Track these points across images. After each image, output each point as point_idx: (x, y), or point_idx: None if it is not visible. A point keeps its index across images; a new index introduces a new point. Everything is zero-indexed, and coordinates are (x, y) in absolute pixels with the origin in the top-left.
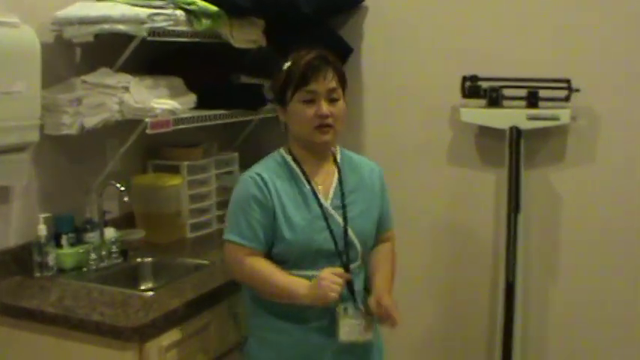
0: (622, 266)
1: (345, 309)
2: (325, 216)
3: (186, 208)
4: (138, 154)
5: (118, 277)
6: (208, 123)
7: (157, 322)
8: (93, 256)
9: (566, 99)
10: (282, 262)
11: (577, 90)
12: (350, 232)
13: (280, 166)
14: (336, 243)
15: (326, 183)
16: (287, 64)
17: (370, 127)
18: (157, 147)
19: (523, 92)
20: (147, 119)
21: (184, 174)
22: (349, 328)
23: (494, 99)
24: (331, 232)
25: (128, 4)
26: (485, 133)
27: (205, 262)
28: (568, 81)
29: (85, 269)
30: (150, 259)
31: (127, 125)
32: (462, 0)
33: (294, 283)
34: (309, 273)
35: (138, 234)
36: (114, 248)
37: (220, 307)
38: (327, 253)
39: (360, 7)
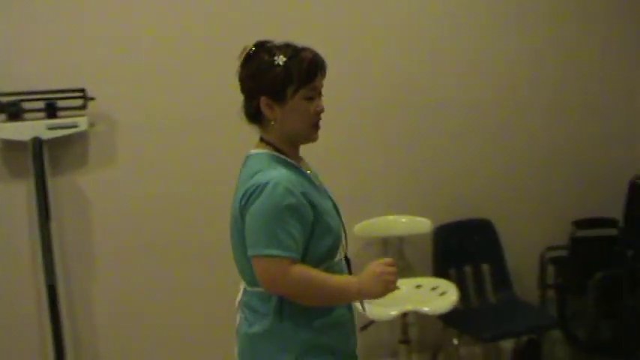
0: (155, 262)
1: None
2: (332, 201)
3: None
4: None
5: None
6: None
7: None
8: None
9: (83, 107)
10: (325, 259)
11: (92, 98)
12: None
13: (283, 165)
14: (342, 224)
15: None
16: (280, 59)
17: None
18: None
19: (42, 104)
20: None
21: None
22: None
23: (13, 113)
24: (338, 213)
25: None
26: (10, 146)
27: None
28: (83, 90)
29: None
30: None
31: None
32: None
33: (346, 284)
34: (329, 263)
35: None
36: None
37: None
38: (341, 236)
39: None
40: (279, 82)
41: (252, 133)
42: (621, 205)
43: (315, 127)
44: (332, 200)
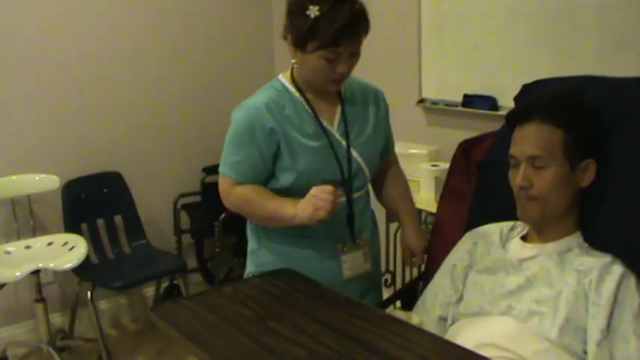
0: None
1: (344, 246)
2: (331, 143)
3: None
4: None
5: None
6: None
7: None
8: None
9: None
10: (287, 194)
11: None
12: (359, 158)
13: (282, 94)
14: (342, 171)
15: (330, 111)
16: (313, 11)
17: None
18: None
19: None
20: None
21: None
22: (350, 264)
23: None
24: (338, 159)
25: None
26: None
27: None
28: None
29: None
30: None
31: None
32: None
33: (283, 206)
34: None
35: None
36: None
37: None
38: (334, 182)
39: None
40: (302, 33)
41: None
42: None
43: (333, 82)
44: (348, 146)
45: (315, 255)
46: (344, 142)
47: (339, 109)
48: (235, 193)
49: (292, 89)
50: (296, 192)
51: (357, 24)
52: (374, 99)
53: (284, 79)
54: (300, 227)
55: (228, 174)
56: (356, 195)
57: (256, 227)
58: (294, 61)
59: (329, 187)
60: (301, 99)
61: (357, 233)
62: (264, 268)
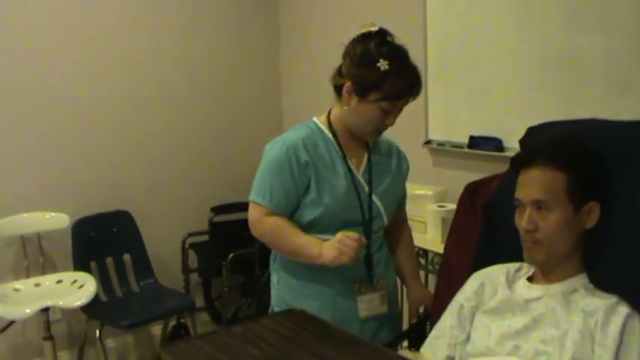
0: None
1: (361, 286)
2: (356, 185)
3: None
4: None
5: None
6: None
7: None
8: None
9: None
10: (310, 227)
11: None
12: (379, 203)
13: (315, 134)
14: (363, 212)
15: (358, 157)
16: (383, 65)
17: None
18: None
19: None
20: None
21: None
22: (366, 305)
23: None
24: (360, 201)
25: None
26: None
27: None
28: None
29: None
30: None
31: None
32: None
33: (309, 244)
34: (332, 237)
35: None
36: None
37: None
38: (355, 222)
39: None
40: (368, 83)
41: None
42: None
43: (376, 132)
44: (370, 191)
45: (332, 293)
46: (366, 187)
47: (366, 156)
48: (266, 223)
49: (326, 131)
50: (318, 226)
51: (418, 83)
52: (397, 154)
53: (319, 121)
54: (319, 265)
55: (262, 202)
56: (374, 236)
57: (277, 262)
58: (346, 107)
59: (355, 235)
60: (334, 141)
61: (375, 272)
62: (281, 301)
